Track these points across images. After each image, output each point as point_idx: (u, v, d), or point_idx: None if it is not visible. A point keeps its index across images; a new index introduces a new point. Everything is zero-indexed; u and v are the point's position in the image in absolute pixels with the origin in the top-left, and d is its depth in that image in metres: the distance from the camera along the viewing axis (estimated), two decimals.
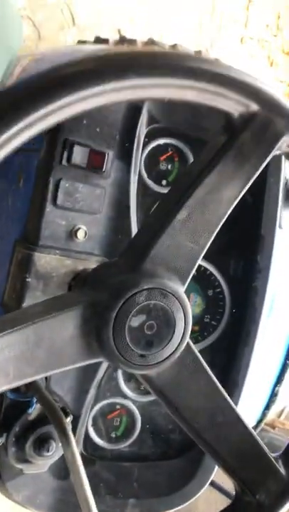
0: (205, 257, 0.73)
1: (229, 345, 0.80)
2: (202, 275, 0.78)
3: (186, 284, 0.47)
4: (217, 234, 0.47)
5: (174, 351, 0.46)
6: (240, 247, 0.79)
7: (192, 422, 0.49)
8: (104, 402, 0.75)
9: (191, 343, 0.48)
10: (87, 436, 0.74)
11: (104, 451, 0.76)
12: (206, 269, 0.79)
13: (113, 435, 0.77)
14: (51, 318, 0.42)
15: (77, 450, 0.59)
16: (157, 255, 0.45)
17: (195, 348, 0.48)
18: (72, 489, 0.60)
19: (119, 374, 0.74)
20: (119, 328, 0.43)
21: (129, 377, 0.75)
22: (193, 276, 0.48)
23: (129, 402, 0.77)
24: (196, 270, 0.75)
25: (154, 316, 0.44)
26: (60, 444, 0.65)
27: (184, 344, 0.46)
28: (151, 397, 0.76)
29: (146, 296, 0.43)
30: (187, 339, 0.47)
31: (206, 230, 0.46)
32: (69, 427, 0.60)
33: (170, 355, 0.46)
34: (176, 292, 0.45)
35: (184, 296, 0.46)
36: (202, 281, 0.78)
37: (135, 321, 0.43)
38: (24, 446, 0.64)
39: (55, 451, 0.65)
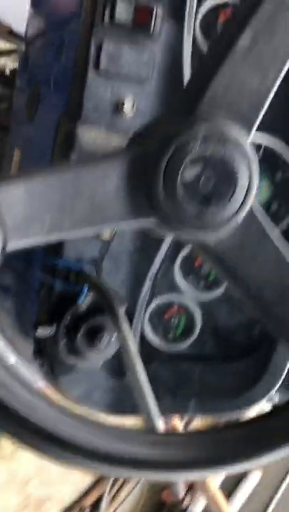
0: (271, 130, 0.64)
1: None
2: (268, 154, 0.67)
3: (252, 133, 0.39)
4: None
5: (236, 212, 0.38)
6: None
7: (259, 295, 0.43)
8: (161, 299, 0.69)
9: (258, 205, 0.41)
10: (143, 336, 0.69)
11: (161, 353, 0.72)
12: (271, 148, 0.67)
13: (171, 335, 0.71)
14: (92, 167, 0.36)
15: (133, 339, 0.55)
16: (216, 95, 0.37)
17: (262, 211, 0.41)
18: (129, 388, 0.56)
19: (176, 267, 0.68)
20: (170, 182, 0.36)
21: (188, 271, 0.69)
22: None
23: (188, 300, 0.71)
24: (260, 149, 0.66)
25: (212, 168, 0.37)
26: (114, 339, 0.61)
27: (249, 204, 0.39)
28: (213, 294, 0.70)
29: (202, 143, 0.36)
30: (252, 198, 0.39)
31: (274, 63, 0.38)
32: (124, 314, 0.56)
33: (232, 216, 0.39)
34: (239, 140, 0.37)
35: (248, 146, 0.38)
36: (268, 162, 0.67)
37: (189, 173, 0.36)
38: (75, 338, 0.60)
39: (108, 345, 0.61)
